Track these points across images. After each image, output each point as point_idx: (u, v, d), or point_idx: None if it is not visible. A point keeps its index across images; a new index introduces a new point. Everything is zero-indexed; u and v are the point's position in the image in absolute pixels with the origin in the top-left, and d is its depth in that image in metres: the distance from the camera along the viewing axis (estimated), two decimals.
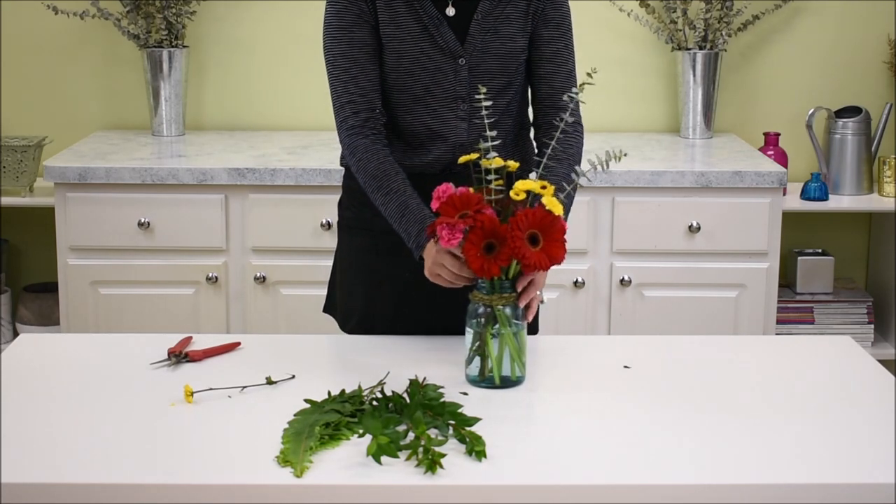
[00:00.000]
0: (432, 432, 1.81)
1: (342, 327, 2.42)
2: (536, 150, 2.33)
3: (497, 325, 2.01)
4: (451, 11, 2.24)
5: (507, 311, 2.02)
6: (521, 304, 2.03)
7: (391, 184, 2.18)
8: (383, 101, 2.26)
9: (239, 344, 2.23)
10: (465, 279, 2.04)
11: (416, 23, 2.22)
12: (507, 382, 2.04)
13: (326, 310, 2.49)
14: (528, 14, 2.26)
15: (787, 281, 3.75)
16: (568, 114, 2.11)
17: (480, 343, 2.02)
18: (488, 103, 2.04)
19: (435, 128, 2.25)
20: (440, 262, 2.04)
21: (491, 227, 1.95)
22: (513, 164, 2.03)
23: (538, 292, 2.07)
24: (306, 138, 3.66)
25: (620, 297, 3.31)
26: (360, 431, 1.83)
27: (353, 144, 2.23)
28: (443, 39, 2.23)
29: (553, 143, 2.15)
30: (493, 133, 2.03)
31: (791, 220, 3.72)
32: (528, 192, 1.98)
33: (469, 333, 2.04)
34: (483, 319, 2.02)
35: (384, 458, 1.73)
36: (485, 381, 2.03)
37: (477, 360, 2.03)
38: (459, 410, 1.88)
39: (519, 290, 2.02)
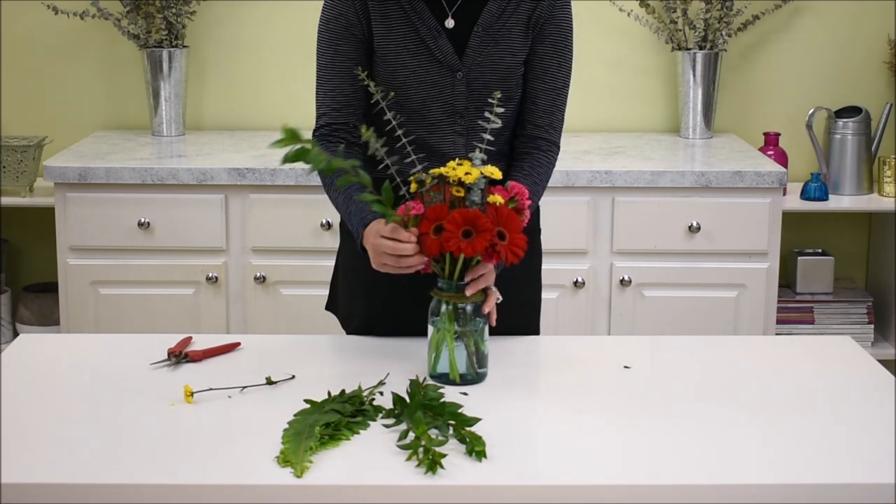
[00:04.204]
0: (433, 432, 1.81)
1: (344, 328, 2.42)
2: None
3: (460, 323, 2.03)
4: (450, 23, 2.21)
5: (469, 308, 2.03)
6: (486, 310, 2.04)
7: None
8: (381, 114, 2.23)
9: (239, 344, 2.23)
10: (407, 261, 2.00)
11: (414, 35, 2.20)
12: (468, 380, 2.04)
13: (329, 308, 2.49)
14: (528, 28, 2.23)
15: (787, 281, 3.75)
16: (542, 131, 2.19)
17: (441, 340, 2.03)
18: (496, 120, 2.04)
19: (432, 142, 2.23)
20: (380, 249, 2.02)
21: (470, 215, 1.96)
22: (496, 172, 2.01)
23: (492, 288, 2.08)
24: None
25: (620, 297, 3.31)
26: (360, 431, 1.83)
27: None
28: (440, 52, 2.20)
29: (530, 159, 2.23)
30: (485, 143, 2.05)
31: (791, 220, 3.72)
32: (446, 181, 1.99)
33: (430, 331, 2.05)
34: (444, 317, 2.03)
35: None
36: (447, 378, 2.04)
37: (437, 356, 2.05)
38: (459, 410, 1.88)
39: (467, 279, 2.02)
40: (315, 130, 2.26)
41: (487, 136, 2.06)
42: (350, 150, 2.22)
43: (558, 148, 2.31)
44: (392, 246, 1.99)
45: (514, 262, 1.99)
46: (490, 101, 2.07)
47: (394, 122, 2.06)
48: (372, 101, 2.11)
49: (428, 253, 1.98)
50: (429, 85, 2.21)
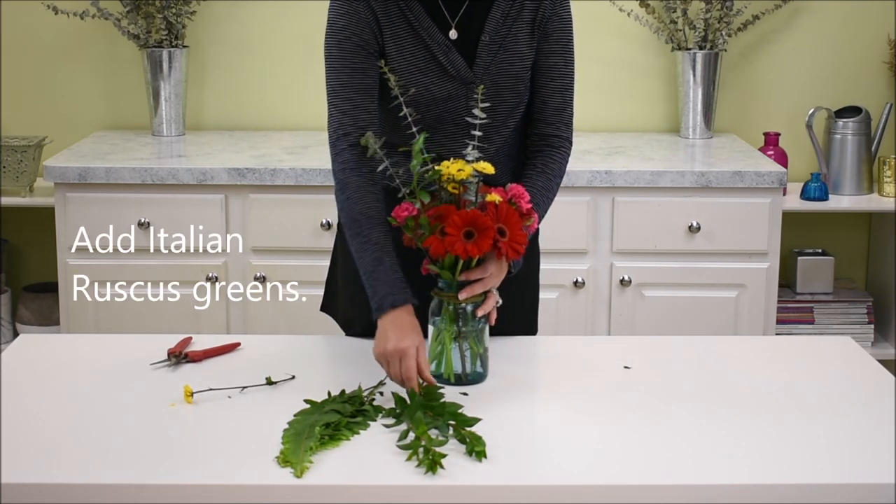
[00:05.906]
0: (433, 432, 1.81)
1: (344, 331, 2.40)
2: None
3: (460, 324, 2.04)
4: (453, 35, 2.19)
5: (469, 308, 2.03)
6: (480, 313, 2.04)
7: (371, 234, 2.10)
8: (393, 126, 2.18)
9: (239, 344, 2.23)
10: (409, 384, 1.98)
11: (424, 52, 2.17)
12: (468, 380, 2.05)
13: (324, 309, 2.48)
14: (533, 30, 2.22)
15: (787, 281, 3.75)
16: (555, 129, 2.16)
17: (441, 340, 2.04)
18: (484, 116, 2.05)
19: (445, 155, 2.15)
20: (403, 361, 1.99)
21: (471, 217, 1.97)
22: (489, 168, 2.01)
23: (493, 291, 2.08)
24: (306, 138, 3.66)
25: (620, 297, 3.31)
26: (360, 431, 1.83)
27: (344, 180, 2.15)
28: (452, 67, 2.17)
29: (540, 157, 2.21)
30: (480, 133, 2.06)
31: (791, 220, 3.72)
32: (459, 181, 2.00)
33: (431, 331, 2.05)
34: (445, 317, 2.03)
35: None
36: (446, 378, 2.04)
37: (438, 356, 2.05)
38: (459, 411, 1.88)
39: (460, 279, 2.02)
40: (336, 156, 2.17)
41: (477, 133, 2.05)
42: (376, 182, 2.17)
43: (570, 144, 2.30)
44: (411, 377, 1.97)
45: (514, 258, 2.00)
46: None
47: (409, 119, 2.04)
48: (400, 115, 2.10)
49: (433, 255, 1.98)
50: (443, 100, 2.19)
